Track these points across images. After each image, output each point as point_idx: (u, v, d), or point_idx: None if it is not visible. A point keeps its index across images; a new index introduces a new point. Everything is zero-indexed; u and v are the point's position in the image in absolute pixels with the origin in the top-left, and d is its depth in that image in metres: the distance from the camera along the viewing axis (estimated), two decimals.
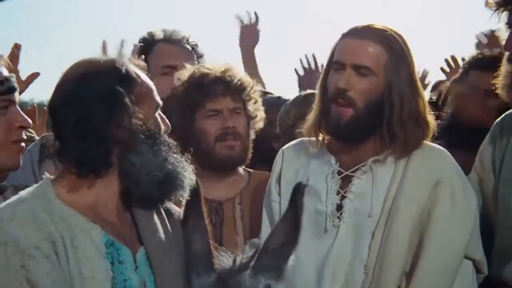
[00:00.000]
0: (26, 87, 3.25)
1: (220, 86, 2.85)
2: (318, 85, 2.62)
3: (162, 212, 2.14)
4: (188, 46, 3.47)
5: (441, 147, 2.54)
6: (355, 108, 2.44)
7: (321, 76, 2.62)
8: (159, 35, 3.46)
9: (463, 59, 4.40)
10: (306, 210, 2.43)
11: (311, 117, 2.58)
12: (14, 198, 2.00)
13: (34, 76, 3.27)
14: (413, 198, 2.41)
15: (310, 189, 2.47)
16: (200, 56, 3.51)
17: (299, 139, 2.68)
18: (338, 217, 2.45)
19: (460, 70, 3.51)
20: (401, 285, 2.38)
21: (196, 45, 3.50)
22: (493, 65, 2.68)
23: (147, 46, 3.48)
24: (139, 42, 3.49)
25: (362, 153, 2.50)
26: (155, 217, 2.10)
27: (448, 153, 2.53)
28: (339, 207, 2.46)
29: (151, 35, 3.48)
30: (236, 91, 2.87)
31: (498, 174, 2.57)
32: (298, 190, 1.99)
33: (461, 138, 3.00)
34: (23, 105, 2.51)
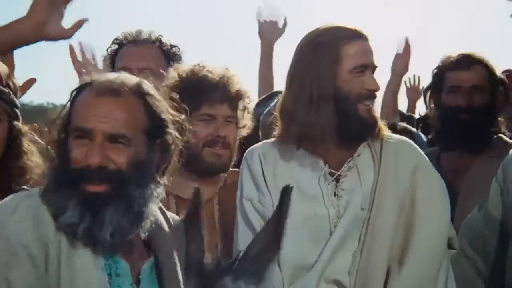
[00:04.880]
0: (23, 93, 3.08)
1: (219, 92, 2.79)
2: None
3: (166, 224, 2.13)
4: (152, 45, 3.38)
5: (404, 138, 2.64)
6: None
7: None
8: (122, 39, 3.39)
9: None
10: (302, 215, 2.45)
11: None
12: (24, 192, 2.00)
13: (31, 82, 3.11)
14: (396, 185, 2.50)
15: (304, 194, 2.49)
16: (174, 54, 3.41)
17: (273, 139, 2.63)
18: (339, 217, 2.49)
19: None
20: (392, 268, 2.45)
21: (160, 40, 3.38)
22: None
23: (115, 53, 3.42)
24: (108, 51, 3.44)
25: (342, 151, 2.53)
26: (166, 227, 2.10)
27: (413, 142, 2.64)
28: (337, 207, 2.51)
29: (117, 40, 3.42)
30: (233, 99, 2.83)
31: None
32: (286, 193, 1.83)
33: None
34: (22, 107, 2.59)
